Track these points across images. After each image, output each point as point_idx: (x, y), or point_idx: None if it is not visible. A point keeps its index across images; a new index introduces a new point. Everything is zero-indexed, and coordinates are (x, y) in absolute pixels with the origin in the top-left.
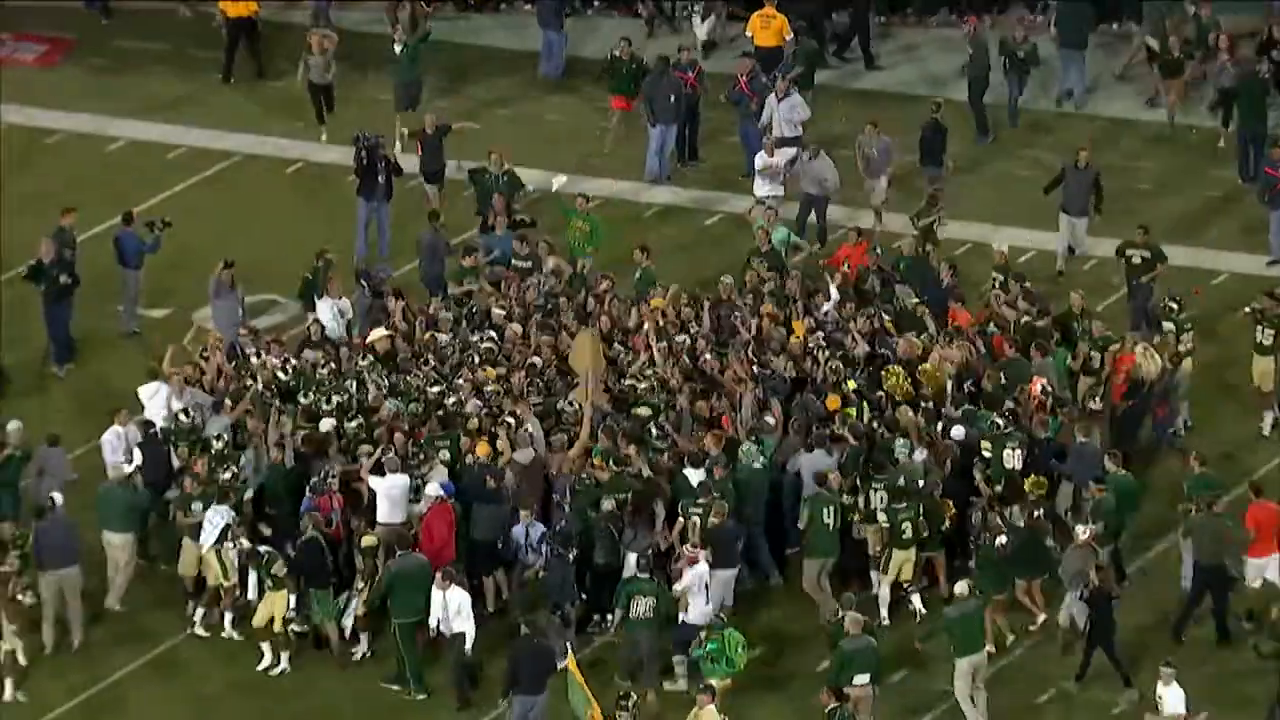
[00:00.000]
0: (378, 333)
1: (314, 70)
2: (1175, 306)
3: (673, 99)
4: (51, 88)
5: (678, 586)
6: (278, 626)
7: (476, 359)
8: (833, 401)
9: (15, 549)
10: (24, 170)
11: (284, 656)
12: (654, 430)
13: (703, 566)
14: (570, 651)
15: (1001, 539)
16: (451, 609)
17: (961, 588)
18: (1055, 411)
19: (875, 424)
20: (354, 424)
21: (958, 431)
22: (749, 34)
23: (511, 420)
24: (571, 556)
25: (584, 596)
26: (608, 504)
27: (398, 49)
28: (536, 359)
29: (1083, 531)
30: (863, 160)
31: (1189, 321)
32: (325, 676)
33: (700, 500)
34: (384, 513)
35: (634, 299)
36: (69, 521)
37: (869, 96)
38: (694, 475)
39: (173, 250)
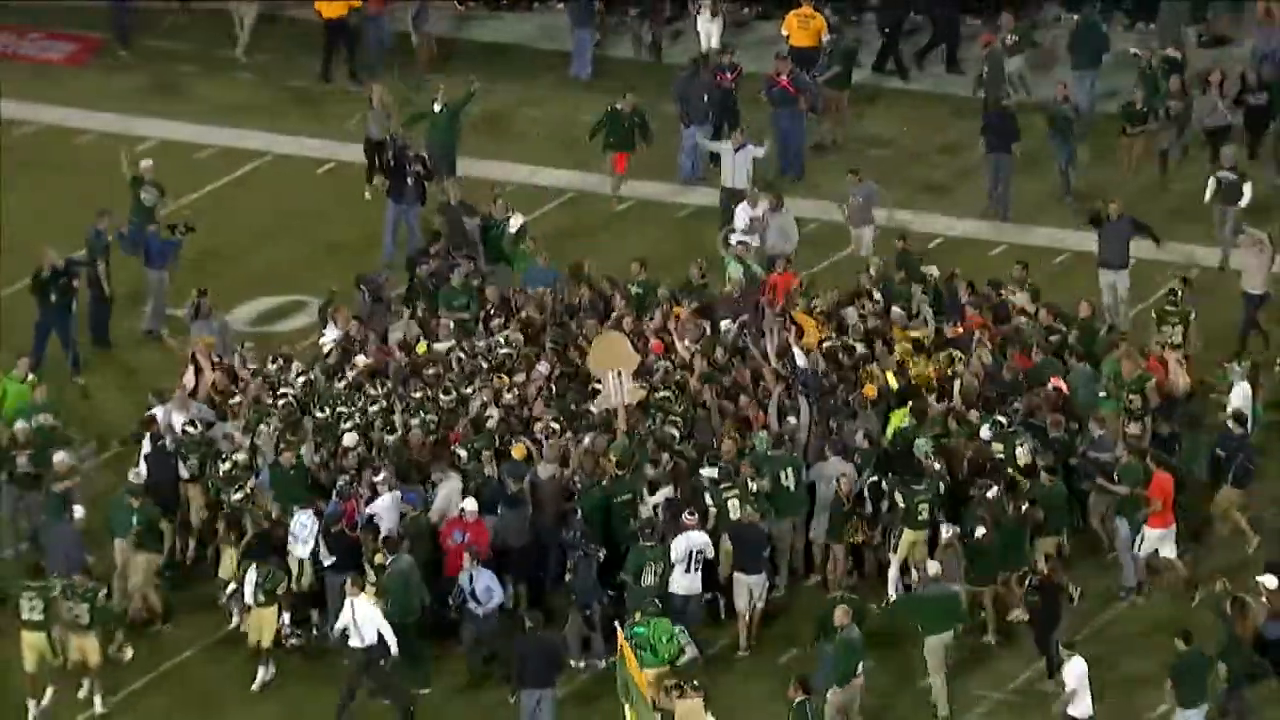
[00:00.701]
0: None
1: (373, 125)
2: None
3: (705, 98)
4: (80, 87)
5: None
6: (266, 643)
7: (485, 366)
8: (869, 390)
9: (84, 601)
10: (54, 171)
11: (270, 667)
12: (676, 434)
13: (697, 536)
14: (620, 633)
15: (981, 530)
16: (358, 618)
17: (934, 568)
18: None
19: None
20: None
21: (986, 432)
22: (784, 33)
23: (556, 426)
24: (601, 555)
25: (610, 595)
26: (645, 509)
27: (436, 108)
28: (543, 366)
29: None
30: (846, 209)
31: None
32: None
33: (729, 487)
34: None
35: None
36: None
37: (906, 96)
38: (710, 472)
39: (200, 251)
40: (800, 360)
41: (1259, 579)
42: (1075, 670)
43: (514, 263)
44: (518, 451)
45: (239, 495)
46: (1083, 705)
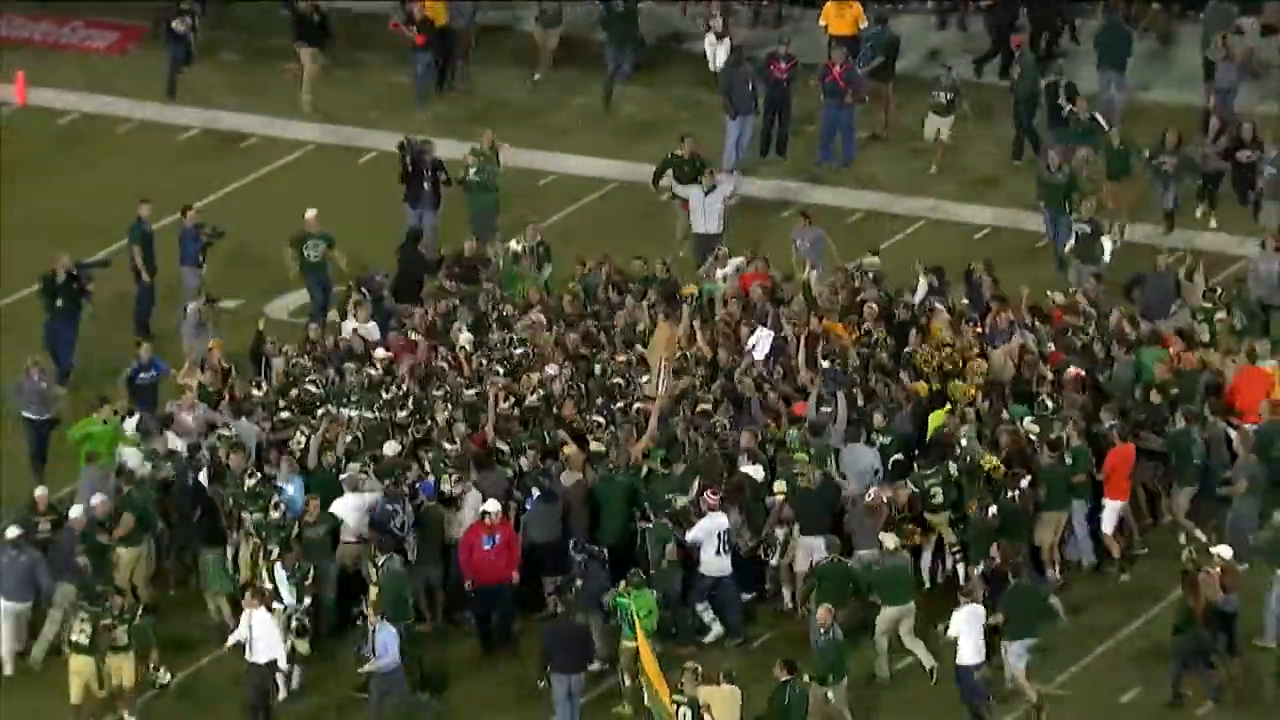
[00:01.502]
0: (381, 352)
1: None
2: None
3: (751, 88)
4: (123, 75)
5: (689, 536)
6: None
7: (501, 369)
8: (920, 388)
9: (121, 622)
10: (96, 159)
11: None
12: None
13: (719, 518)
14: (641, 640)
15: (992, 509)
16: (256, 632)
17: (890, 541)
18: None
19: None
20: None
21: (1029, 422)
22: (823, 23)
23: (601, 419)
24: (604, 557)
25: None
26: (681, 501)
27: (472, 173)
28: (551, 369)
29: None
30: (794, 251)
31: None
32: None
33: (796, 469)
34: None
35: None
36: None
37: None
38: (754, 471)
39: (240, 242)
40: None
41: (1214, 550)
42: (961, 617)
43: (509, 284)
44: (568, 450)
45: (259, 516)
46: (967, 652)
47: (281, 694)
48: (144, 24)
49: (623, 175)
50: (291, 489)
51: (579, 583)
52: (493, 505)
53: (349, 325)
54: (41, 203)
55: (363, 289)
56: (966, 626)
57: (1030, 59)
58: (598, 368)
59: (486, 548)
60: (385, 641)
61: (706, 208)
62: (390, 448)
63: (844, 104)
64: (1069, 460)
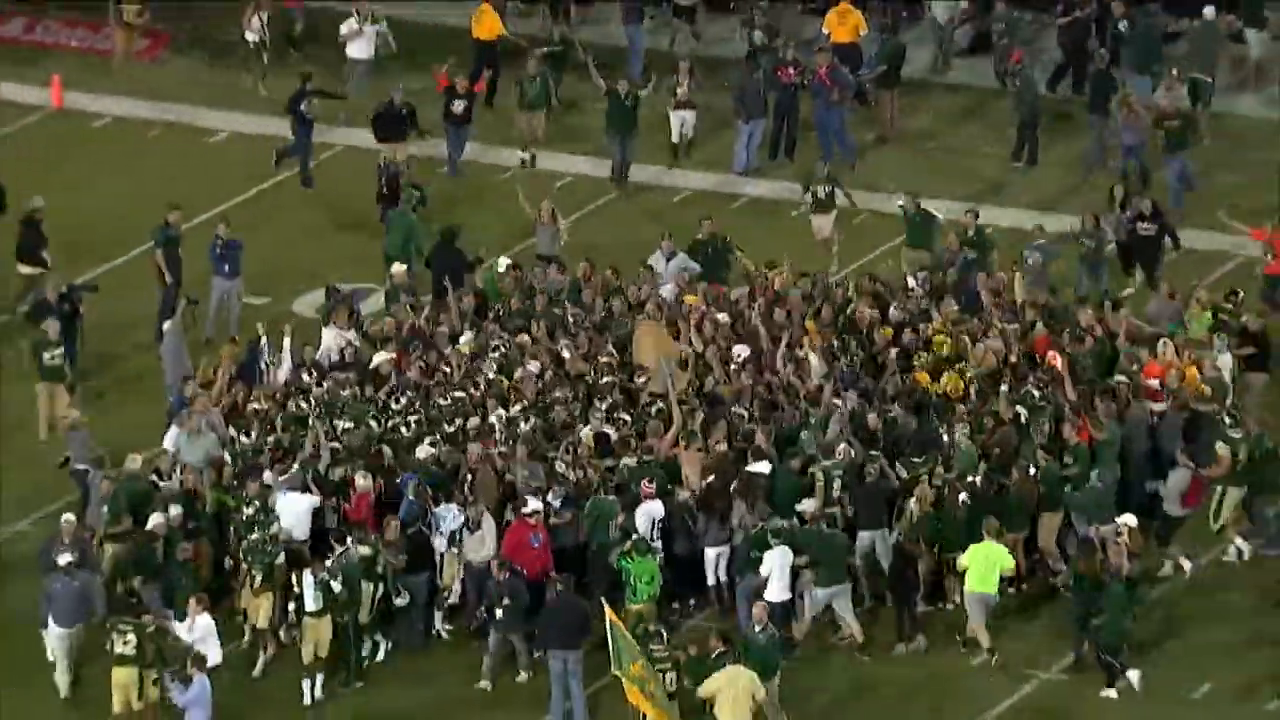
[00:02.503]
0: (380, 356)
1: (542, 241)
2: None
3: (761, 94)
4: (153, 80)
5: (629, 521)
6: (324, 653)
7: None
8: (921, 377)
9: (152, 644)
10: (125, 163)
11: (319, 680)
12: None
13: (653, 505)
14: (607, 606)
15: (963, 495)
16: (198, 635)
17: (808, 505)
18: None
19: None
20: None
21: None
22: (825, 31)
23: (627, 417)
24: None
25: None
26: (683, 494)
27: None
28: (533, 366)
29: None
30: (648, 270)
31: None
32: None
33: (830, 461)
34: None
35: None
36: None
37: (953, 92)
38: (761, 468)
39: (273, 241)
40: (815, 364)
41: (1119, 519)
42: (772, 559)
43: (490, 294)
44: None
45: (256, 536)
46: (776, 590)
47: (306, 700)
48: (173, 30)
49: (639, 177)
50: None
51: (506, 601)
52: (535, 504)
53: (329, 332)
54: (70, 204)
55: (337, 292)
56: (777, 566)
57: (1030, 75)
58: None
59: (535, 546)
60: (195, 694)
61: (668, 273)
62: (423, 451)
63: (831, 104)
64: (1068, 460)
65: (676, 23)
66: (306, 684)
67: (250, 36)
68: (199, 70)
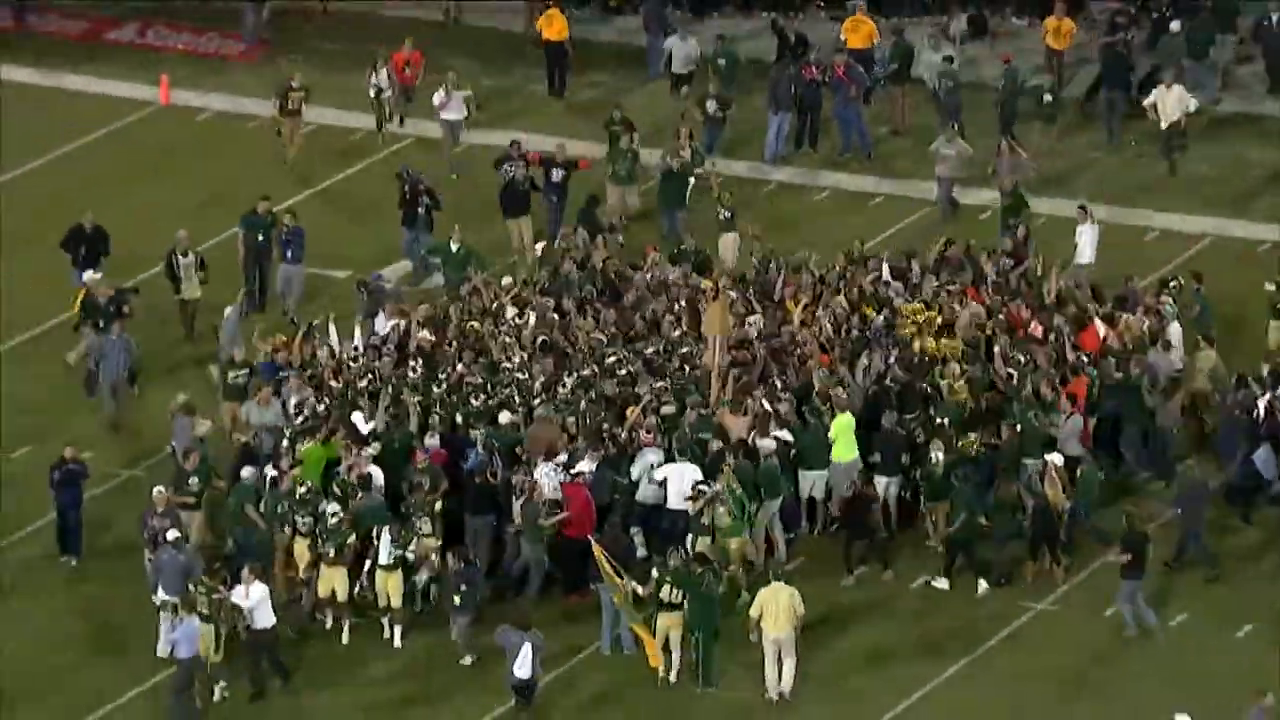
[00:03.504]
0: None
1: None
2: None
3: (792, 89)
4: (251, 80)
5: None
6: (396, 603)
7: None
8: (928, 343)
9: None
10: (220, 155)
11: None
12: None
13: (650, 453)
14: (595, 543)
15: (939, 454)
16: (251, 601)
17: (767, 445)
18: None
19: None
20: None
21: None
22: (842, 37)
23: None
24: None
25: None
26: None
27: (454, 247)
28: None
29: None
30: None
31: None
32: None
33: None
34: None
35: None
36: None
37: (962, 90)
38: (783, 435)
39: (352, 214)
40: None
41: (1048, 457)
42: (671, 469)
43: (457, 272)
44: (632, 414)
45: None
46: (672, 497)
47: (397, 642)
48: (269, 35)
49: (664, 167)
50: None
51: (463, 587)
52: (587, 466)
53: (381, 320)
54: (175, 191)
55: (361, 289)
56: (675, 476)
57: (1013, 74)
58: (650, 349)
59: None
60: (181, 636)
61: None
62: (505, 417)
63: (850, 99)
64: (1044, 413)
65: (685, 90)
66: (387, 625)
67: (372, 91)
68: (292, 71)
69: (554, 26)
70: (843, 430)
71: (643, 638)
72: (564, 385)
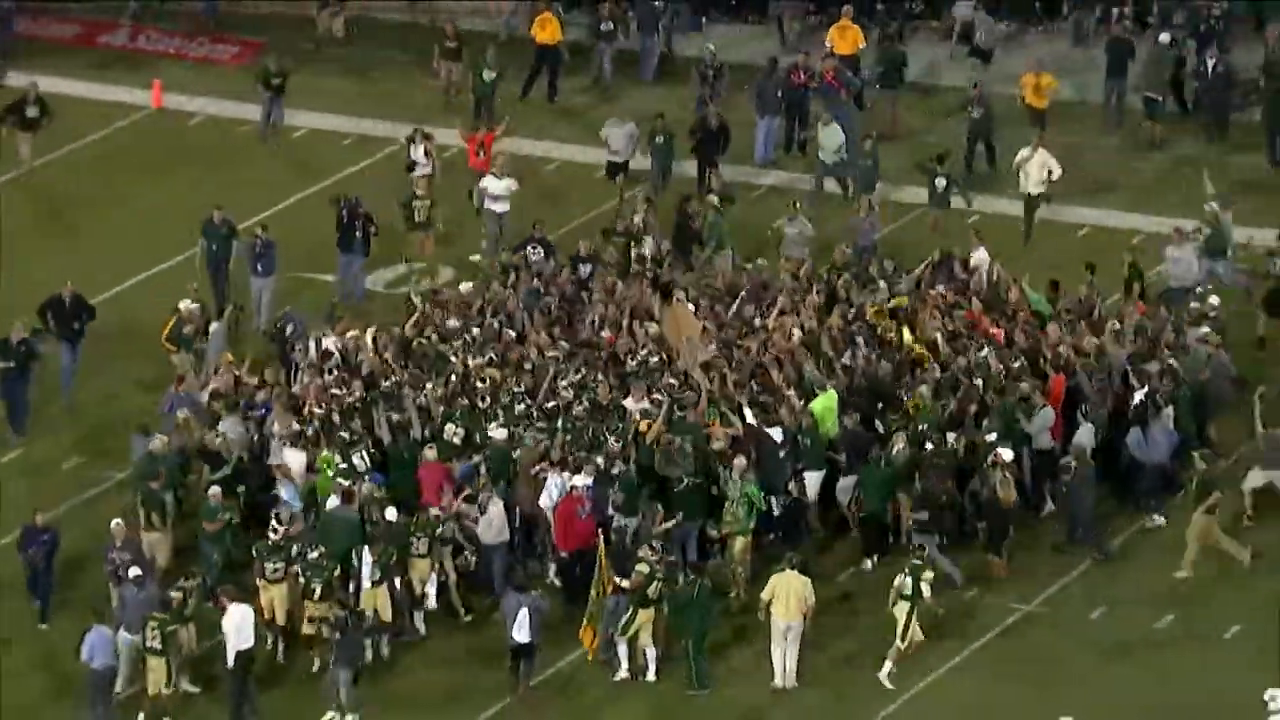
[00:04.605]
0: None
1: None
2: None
3: (779, 94)
4: (242, 83)
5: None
6: (385, 617)
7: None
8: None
9: (157, 628)
10: (217, 154)
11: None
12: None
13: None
14: (600, 542)
15: (899, 447)
16: (232, 624)
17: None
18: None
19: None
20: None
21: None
22: (829, 43)
23: (660, 397)
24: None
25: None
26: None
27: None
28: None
29: None
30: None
31: None
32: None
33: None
34: None
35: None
36: None
37: (953, 93)
38: (774, 433)
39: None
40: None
41: (998, 450)
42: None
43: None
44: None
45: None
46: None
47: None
48: (263, 39)
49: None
50: (285, 494)
51: (338, 636)
52: (582, 480)
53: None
54: (168, 195)
55: (272, 339)
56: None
57: (986, 98)
58: (631, 361)
59: (582, 518)
60: (94, 643)
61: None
62: (497, 431)
63: (840, 104)
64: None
65: (620, 178)
66: (369, 643)
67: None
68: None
69: (547, 30)
70: (827, 408)
71: (585, 631)
72: (537, 407)
